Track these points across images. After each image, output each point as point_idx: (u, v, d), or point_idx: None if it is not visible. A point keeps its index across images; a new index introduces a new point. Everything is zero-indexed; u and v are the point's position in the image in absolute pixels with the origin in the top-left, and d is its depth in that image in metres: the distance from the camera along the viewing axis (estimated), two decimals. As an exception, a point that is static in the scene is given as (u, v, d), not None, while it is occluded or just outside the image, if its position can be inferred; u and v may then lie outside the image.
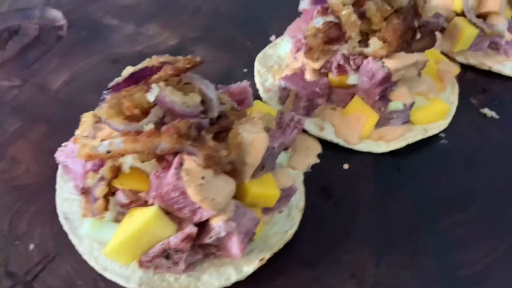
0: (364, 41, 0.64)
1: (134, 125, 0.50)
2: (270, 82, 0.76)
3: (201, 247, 0.55)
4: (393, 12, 0.63)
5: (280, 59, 0.80)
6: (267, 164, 0.56)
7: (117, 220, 0.55)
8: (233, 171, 0.53)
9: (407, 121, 0.70)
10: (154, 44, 0.85)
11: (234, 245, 0.52)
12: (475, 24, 0.81)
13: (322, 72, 0.70)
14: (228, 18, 0.90)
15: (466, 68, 0.84)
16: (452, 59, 0.84)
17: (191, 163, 0.49)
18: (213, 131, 0.53)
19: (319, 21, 0.66)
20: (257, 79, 0.77)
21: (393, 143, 0.69)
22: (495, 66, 0.83)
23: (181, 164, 0.49)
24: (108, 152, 0.50)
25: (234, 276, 0.55)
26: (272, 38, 0.85)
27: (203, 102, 0.53)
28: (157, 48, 0.84)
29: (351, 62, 0.66)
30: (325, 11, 0.66)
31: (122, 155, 0.50)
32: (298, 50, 0.74)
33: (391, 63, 0.63)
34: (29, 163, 0.66)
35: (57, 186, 0.62)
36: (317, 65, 0.68)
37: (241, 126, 0.55)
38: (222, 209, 0.50)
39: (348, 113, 0.70)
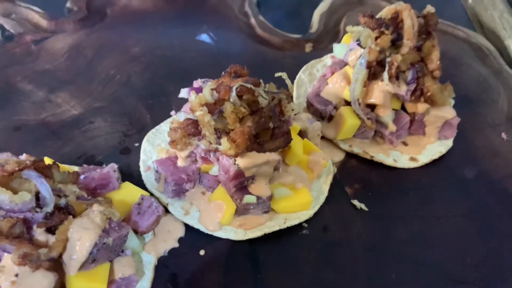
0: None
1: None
2: (151, 161, 0.80)
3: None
4: (250, 113, 0.68)
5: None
6: (100, 258, 0.60)
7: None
8: (59, 265, 0.57)
9: (267, 211, 0.74)
10: (59, 112, 0.89)
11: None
12: (358, 115, 0.86)
13: (191, 159, 0.74)
14: (136, 89, 0.95)
15: (351, 156, 0.88)
16: (337, 146, 0.88)
17: (8, 260, 0.53)
18: (47, 225, 0.57)
19: (181, 116, 0.71)
20: (141, 156, 0.82)
21: (251, 231, 0.73)
22: (378, 155, 0.87)
23: (-1, 260, 0.53)
24: None
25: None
26: (172, 113, 0.90)
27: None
28: (60, 117, 0.89)
29: (212, 155, 0.71)
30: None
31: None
32: (177, 134, 0.79)
33: (241, 162, 0.67)
34: None
35: None
36: (183, 154, 0.72)
37: (78, 219, 0.59)
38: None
39: (212, 200, 0.74)
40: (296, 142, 0.76)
